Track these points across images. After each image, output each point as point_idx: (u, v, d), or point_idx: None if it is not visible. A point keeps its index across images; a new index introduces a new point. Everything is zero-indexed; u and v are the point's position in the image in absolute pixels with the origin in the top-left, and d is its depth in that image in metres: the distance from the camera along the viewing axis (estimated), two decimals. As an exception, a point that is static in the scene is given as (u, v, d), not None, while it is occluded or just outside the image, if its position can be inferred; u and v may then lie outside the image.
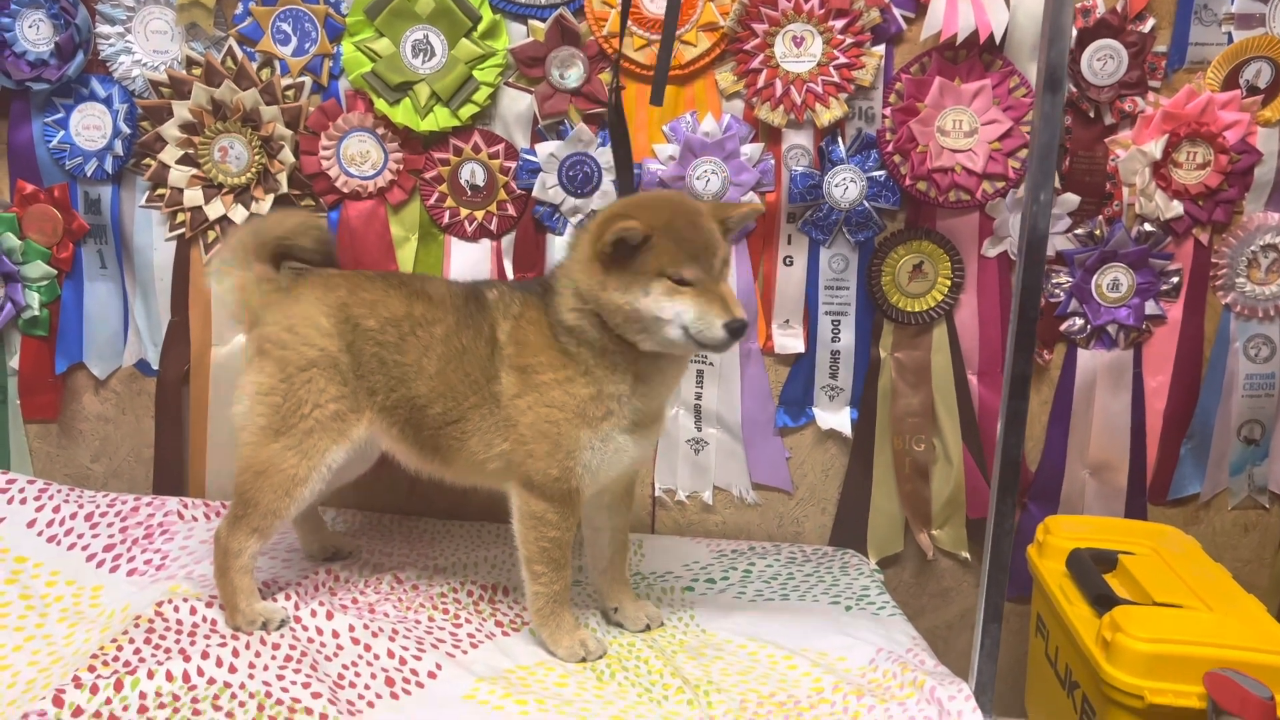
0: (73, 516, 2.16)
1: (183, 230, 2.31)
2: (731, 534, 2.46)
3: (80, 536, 2.14)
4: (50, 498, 2.16)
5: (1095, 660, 1.83)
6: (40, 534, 2.10)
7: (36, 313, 2.35)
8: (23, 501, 2.12)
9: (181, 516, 2.30)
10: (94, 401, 2.43)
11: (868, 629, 1.99)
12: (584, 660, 1.81)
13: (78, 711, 1.55)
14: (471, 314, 1.85)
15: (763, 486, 2.44)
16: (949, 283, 2.32)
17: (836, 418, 2.40)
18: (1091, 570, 2.05)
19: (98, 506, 2.22)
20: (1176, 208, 2.27)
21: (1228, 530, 2.45)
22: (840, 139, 2.28)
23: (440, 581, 2.10)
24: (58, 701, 1.55)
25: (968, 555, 2.43)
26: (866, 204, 2.28)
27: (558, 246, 2.31)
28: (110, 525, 2.20)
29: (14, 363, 2.39)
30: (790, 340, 2.37)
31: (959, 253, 2.31)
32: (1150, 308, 2.33)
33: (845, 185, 2.27)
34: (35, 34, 2.22)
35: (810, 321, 2.36)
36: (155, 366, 2.39)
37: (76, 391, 2.43)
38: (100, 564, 2.11)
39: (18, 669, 1.81)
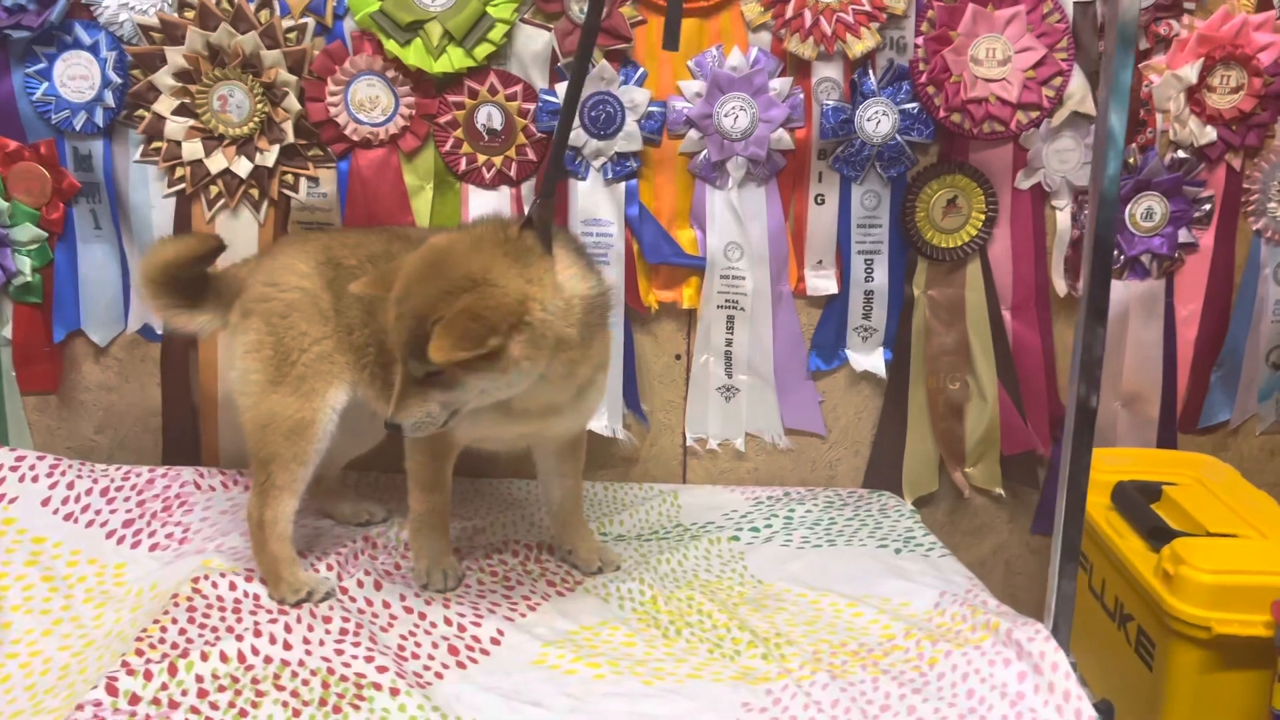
0: (88, 492, 2.06)
1: (182, 186, 2.18)
2: (764, 480, 2.42)
3: (98, 513, 2.04)
4: (62, 473, 2.05)
5: (1156, 593, 1.83)
6: (56, 512, 2.00)
7: (29, 278, 2.21)
8: (34, 479, 2.01)
9: (198, 486, 2.20)
10: (95, 370, 2.31)
11: (923, 571, 1.97)
12: (425, 587, 1.81)
13: (134, 699, 1.47)
14: None
15: (795, 431, 2.40)
16: (983, 217, 2.28)
17: (870, 359, 2.36)
18: (1140, 503, 2.05)
19: (112, 480, 2.11)
20: (1210, 133, 2.23)
21: (1255, 455, 2.47)
22: (871, 71, 2.20)
23: (482, 542, 2.04)
24: (111, 690, 1.48)
25: (1001, 491, 2.42)
26: (899, 138, 2.21)
27: (580, 192, 2.22)
28: (127, 499, 2.09)
29: (6, 332, 2.25)
30: (823, 281, 2.31)
31: (993, 186, 2.26)
32: (1183, 236, 2.31)
33: (877, 119, 2.20)
34: (11, -23, 2.05)
35: (843, 262, 2.31)
36: (159, 331, 2.27)
37: (76, 360, 2.30)
38: (120, 540, 2.01)
39: (49, 654, 1.73)
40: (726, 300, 2.30)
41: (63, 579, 1.89)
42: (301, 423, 1.81)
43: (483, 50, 2.13)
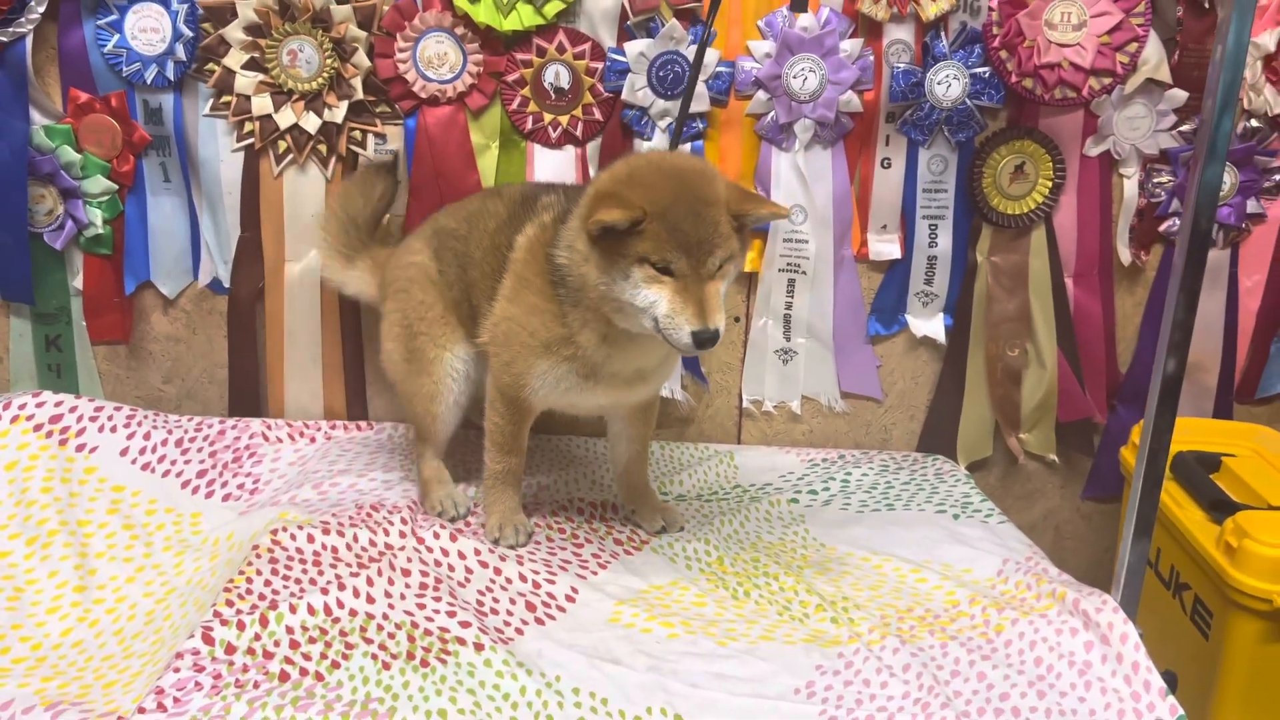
0: (164, 443, 2.10)
1: (251, 140, 2.19)
2: (819, 443, 2.45)
3: (174, 463, 2.09)
4: (139, 424, 2.09)
5: (1217, 565, 1.85)
6: (134, 462, 2.04)
7: (100, 230, 2.23)
8: (113, 430, 2.05)
9: (266, 439, 2.25)
10: (163, 321, 2.35)
11: (983, 538, 2.00)
12: (496, 542, 1.85)
13: (230, 648, 1.52)
14: (518, 213, 1.86)
15: (851, 395, 2.42)
16: (1050, 184, 2.26)
17: (930, 325, 2.36)
18: (1200, 474, 2.06)
19: (185, 431, 2.16)
20: (1285, 103, 2.20)
21: (1311, 427, 2.48)
22: (944, 34, 2.17)
23: (547, 499, 2.08)
24: (207, 639, 1.53)
25: (1055, 458, 2.44)
26: (969, 102, 2.19)
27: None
28: (200, 450, 2.14)
29: (77, 283, 2.28)
30: (886, 246, 2.31)
31: (1061, 152, 2.24)
32: (1251, 206, 2.29)
33: (948, 82, 2.18)
34: (83, -72, 2.05)
35: (907, 226, 2.30)
36: (227, 284, 2.29)
37: (145, 311, 2.34)
38: (195, 490, 2.06)
39: (134, 600, 1.79)
40: (788, 264, 2.30)
41: (142, 527, 1.95)
42: (430, 394, 1.97)
43: (552, 8, 2.11)
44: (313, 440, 2.29)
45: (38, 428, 1.97)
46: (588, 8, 2.15)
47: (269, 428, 2.27)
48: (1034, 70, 2.15)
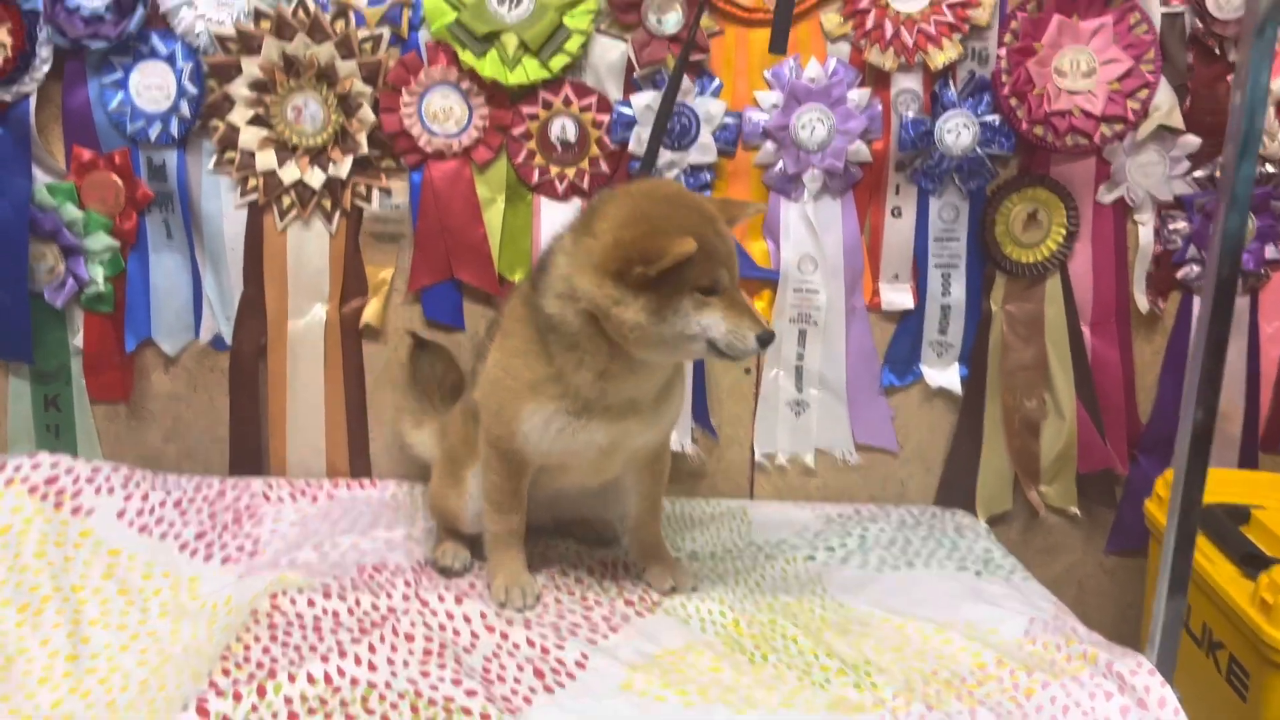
0: (161, 504, 2.05)
1: (255, 196, 2.17)
2: (833, 496, 2.39)
3: (172, 525, 2.03)
4: (137, 485, 2.04)
5: (1253, 622, 1.78)
6: (131, 524, 1.99)
7: (100, 288, 2.20)
8: (110, 491, 2.00)
9: (267, 498, 2.19)
10: (164, 379, 2.31)
11: (1007, 596, 1.93)
12: (503, 605, 1.78)
13: (225, 720, 1.46)
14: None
15: (866, 447, 2.36)
16: (1064, 231, 2.23)
17: (945, 375, 2.32)
18: (1230, 527, 2.00)
19: (184, 492, 2.11)
20: (1301, 147, 2.18)
21: (1339, 477, 2.41)
22: (952, 82, 2.16)
23: (555, 557, 2.01)
24: (202, 711, 1.46)
25: (1077, 510, 2.37)
26: (979, 150, 2.17)
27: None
28: (200, 511, 2.09)
29: (78, 341, 2.25)
30: (898, 296, 2.28)
31: (1074, 200, 2.22)
32: (1270, 252, 2.25)
33: (958, 131, 2.15)
34: (89, -13, 2.05)
35: (919, 276, 2.27)
36: (229, 341, 2.26)
37: (145, 369, 2.30)
38: (194, 553, 2.00)
39: (128, 670, 1.72)
40: (799, 314, 2.27)
41: (138, 592, 1.88)
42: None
43: (558, 61, 2.10)
44: (315, 499, 2.24)
45: (33, 490, 1.92)
46: (594, 61, 2.14)
47: (270, 487, 2.22)
48: (1045, 118, 2.13)
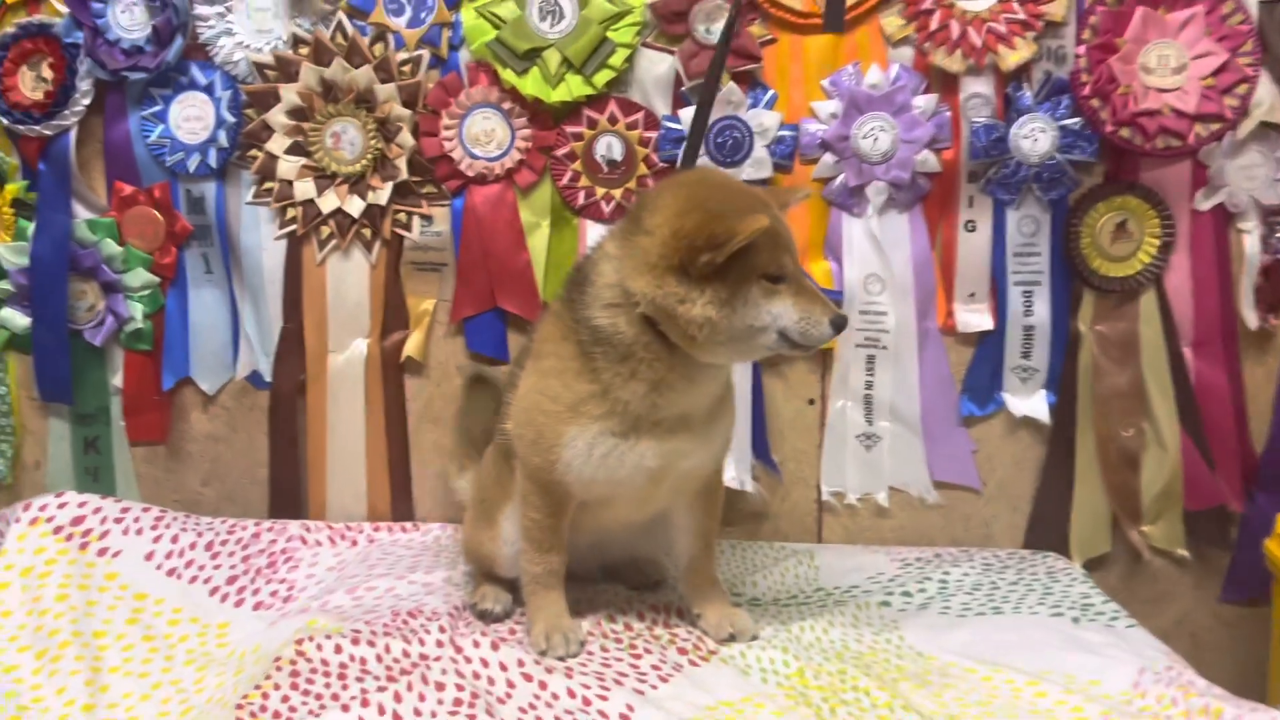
0: (192, 546, 1.95)
1: (294, 227, 2.11)
2: (911, 540, 2.19)
3: (202, 569, 1.93)
4: (167, 526, 1.95)
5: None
6: (159, 567, 1.89)
7: (140, 325, 2.15)
8: (139, 532, 1.92)
9: (304, 542, 2.08)
10: (203, 419, 2.23)
11: (1110, 644, 1.70)
12: (544, 653, 1.62)
13: (233, 775, 1.33)
14: None
15: (945, 485, 2.17)
16: (1157, 242, 2.04)
17: (1030, 403, 2.12)
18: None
19: (217, 534, 2.01)
20: None
21: None
22: (1027, 84, 2.00)
23: (603, 602, 1.85)
24: (208, 763, 1.33)
25: (1185, 553, 2.13)
26: (1059, 157, 2.00)
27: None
28: (232, 555, 1.99)
29: (117, 380, 2.19)
30: (975, 317, 2.10)
31: (1168, 207, 2.03)
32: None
33: (1035, 136, 1.99)
34: (129, 19, 2.03)
35: (998, 295, 2.09)
36: (268, 378, 2.18)
37: (184, 409, 2.23)
38: (224, 598, 1.90)
39: (147, 720, 1.61)
40: (866, 338, 2.10)
41: (164, 639, 1.78)
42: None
43: (603, 77, 2.01)
44: (354, 543, 2.13)
45: (58, 530, 1.84)
46: (639, 75, 2.04)
47: (308, 530, 2.11)
48: (1131, 119, 1.96)
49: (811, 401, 2.16)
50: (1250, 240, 2.04)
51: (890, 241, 2.06)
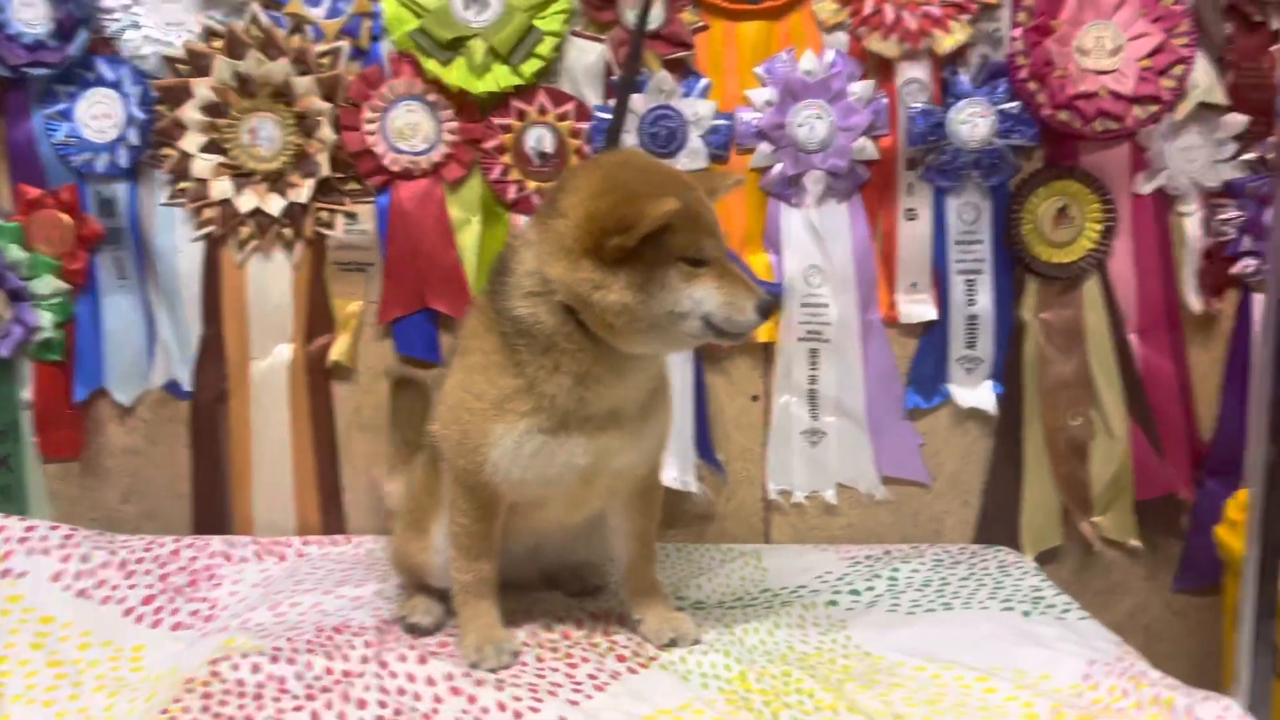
0: (104, 566, 1.84)
1: (211, 228, 2.02)
2: (860, 538, 2.13)
3: (115, 589, 1.82)
4: (77, 545, 1.84)
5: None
6: (68, 588, 1.78)
7: (50, 334, 2.04)
8: (45, 551, 1.81)
9: (229, 558, 1.98)
10: (120, 433, 2.13)
11: (1061, 637, 1.66)
12: (475, 665, 1.54)
13: (129, 806, 1.23)
14: None
15: (894, 480, 2.12)
16: (1099, 227, 2.01)
17: (976, 394, 2.08)
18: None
19: (133, 553, 1.91)
20: (1362, 121, 1.94)
21: None
22: (963, 68, 1.97)
23: (540, 611, 1.77)
24: (103, 795, 1.24)
25: (1138, 543, 2.10)
26: (998, 142, 1.97)
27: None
28: (149, 573, 1.88)
29: (27, 393, 2.08)
30: (918, 307, 2.05)
31: (1109, 191, 2.00)
32: (1337, 242, 2.00)
33: (973, 121, 1.95)
34: (31, 12, 1.93)
35: (941, 284, 2.04)
36: (187, 388, 2.08)
37: (100, 422, 2.12)
38: (140, 619, 1.79)
39: (49, 751, 1.50)
40: (808, 332, 2.05)
41: (72, 664, 1.67)
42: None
43: (530, 67, 1.94)
44: (282, 558, 2.03)
45: (-45, 552, 1.74)
46: (569, 64, 1.98)
47: (232, 546, 2.01)
48: (1069, 102, 1.93)
49: (755, 398, 2.10)
50: (1191, 223, 2.02)
51: (830, 232, 2.01)
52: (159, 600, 1.84)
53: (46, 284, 2.03)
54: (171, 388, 2.09)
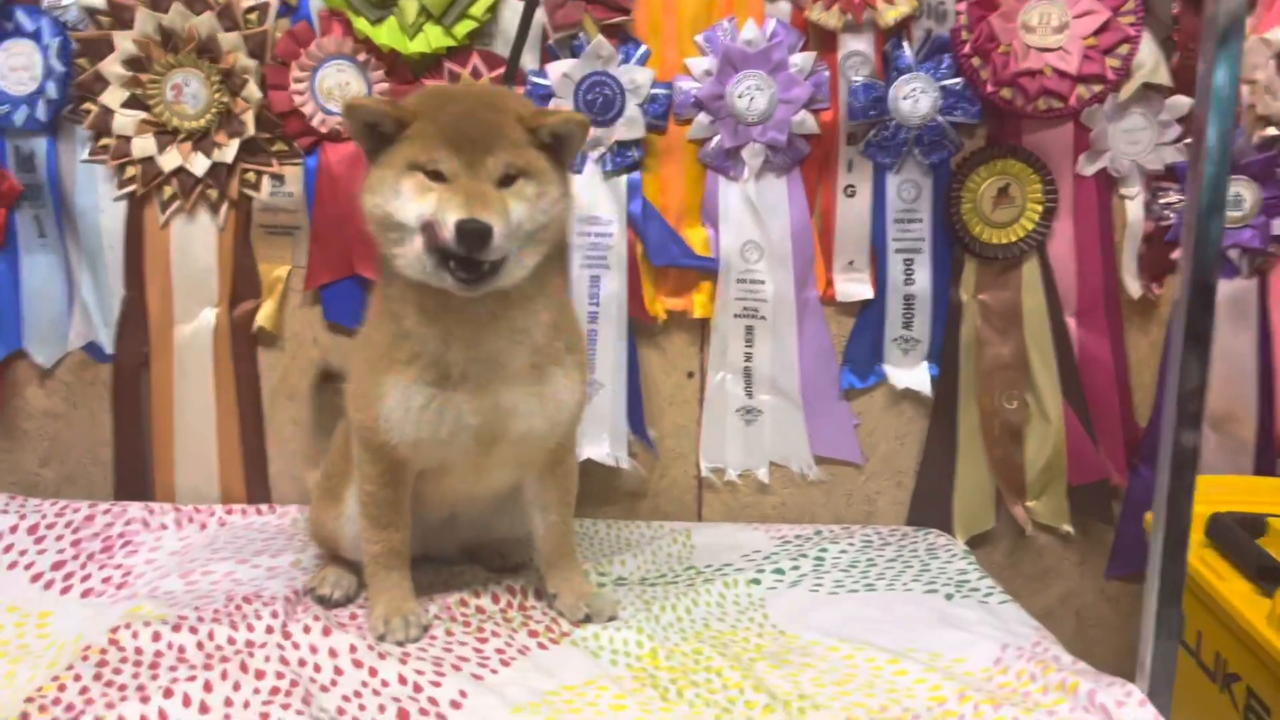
0: (13, 530, 1.81)
1: (133, 187, 1.96)
2: (793, 517, 2.11)
3: (23, 553, 1.79)
4: (-15, 508, 1.81)
5: (1273, 647, 1.49)
6: (-28, 553, 1.75)
7: (-35, 293, 1.99)
8: (-51, 514, 1.77)
9: (146, 525, 1.94)
10: (39, 395, 2.08)
11: (981, 621, 1.64)
12: (382, 638, 1.52)
13: (2, 776, 1.19)
14: None
15: (827, 460, 2.09)
16: (1040, 208, 1.98)
17: (912, 375, 2.05)
18: (1243, 538, 1.71)
19: (44, 516, 1.87)
20: (1306, 107, 1.92)
21: (1371, 485, 2.11)
22: (907, 42, 1.93)
23: (458, 584, 1.75)
24: (-24, 764, 1.20)
25: (1070, 529, 2.08)
26: (940, 118, 1.93)
27: (578, 186, 1.96)
28: (60, 538, 1.84)
29: (-58, 354, 2.03)
30: (855, 286, 2.02)
31: (1050, 172, 1.97)
32: (1277, 227, 1.98)
33: (915, 97, 1.92)
34: (-56, -42, 1.87)
35: (878, 263, 2.01)
36: (109, 351, 2.03)
37: (18, 384, 2.07)
38: (49, 585, 1.75)
39: (-61, 721, 1.46)
40: (745, 308, 2.02)
41: (-28, 630, 1.63)
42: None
43: (464, 28, 1.89)
44: (203, 526, 1.99)
45: None
46: (504, 27, 1.93)
47: (151, 513, 1.97)
48: (1012, 79, 1.89)
49: (691, 374, 2.07)
50: (1133, 206, 1.99)
51: (768, 207, 1.97)
52: (70, 566, 1.80)
53: (-38, 241, 1.98)
54: (92, 350, 2.04)
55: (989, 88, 1.90)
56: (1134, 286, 2.01)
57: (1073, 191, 1.98)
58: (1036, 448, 2.05)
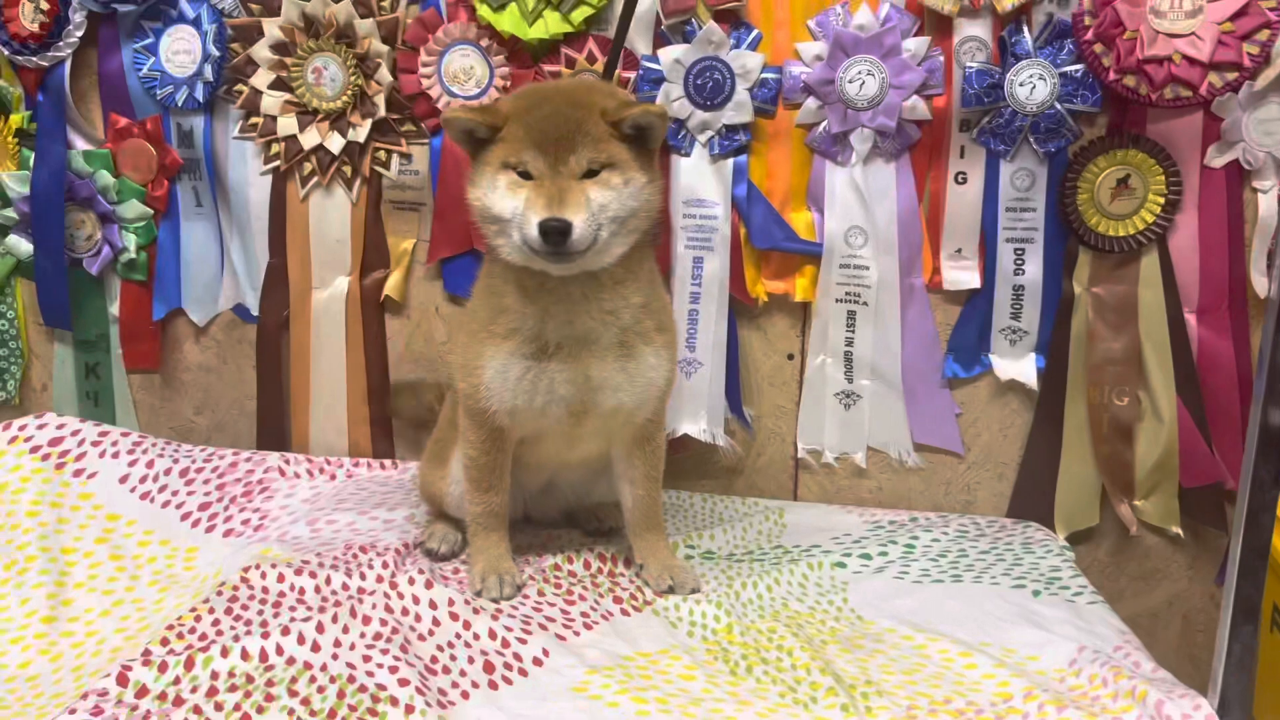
0: (167, 472, 2.01)
1: (277, 163, 2.12)
2: (889, 503, 2.12)
3: (175, 494, 1.99)
4: (145, 451, 2.01)
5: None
6: (133, 490, 1.96)
7: (134, 255, 2.21)
8: (115, 455, 1.98)
9: (283, 473, 2.13)
10: (195, 350, 2.29)
11: (1063, 620, 1.63)
12: (479, 594, 1.65)
13: (142, 691, 1.37)
14: None
15: (927, 448, 2.09)
16: (1162, 200, 1.91)
17: (1019, 366, 2.02)
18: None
19: (194, 461, 2.07)
20: None
21: None
22: (1026, 27, 1.88)
23: (554, 546, 1.85)
24: (122, 679, 1.38)
25: (1179, 531, 2.02)
26: (1059, 106, 1.88)
27: (683, 169, 2.01)
28: (207, 482, 2.04)
29: (115, 309, 2.26)
30: (962, 274, 2.00)
31: (1175, 163, 1.89)
32: None
33: (1032, 83, 1.87)
34: (119, -50, 2.05)
35: (987, 251, 1.99)
36: (254, 312, 2.22)
37: (177, 340, 2.29)
38: (196, 523, 1.95)
39: (104, 635, 1.67)
40: (847, 293, 2.03)
41: (131, 559, 1.84)
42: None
43: (580, 14, 1.96)
44: (333, 477, 2.17)
45: (35, 449, 1.92)
46: (619, 12, 1.97)
47: (287, 462, 2.16)
48: (1137, 66, 1.82)
49: (791, 356, 2.10)
50: (1266, 200, 1.89)
51: (875, 192, 1.97)
52: (215, 508, 1.99)
53: (132, 209, 2.19)
54: (240, 311, 2.23)
55: (1111, 75, 1.84)
56: (1260, 284, 1.91)
57: (1199, 183, 1.90)
58: (1147, 446, 1.99)
